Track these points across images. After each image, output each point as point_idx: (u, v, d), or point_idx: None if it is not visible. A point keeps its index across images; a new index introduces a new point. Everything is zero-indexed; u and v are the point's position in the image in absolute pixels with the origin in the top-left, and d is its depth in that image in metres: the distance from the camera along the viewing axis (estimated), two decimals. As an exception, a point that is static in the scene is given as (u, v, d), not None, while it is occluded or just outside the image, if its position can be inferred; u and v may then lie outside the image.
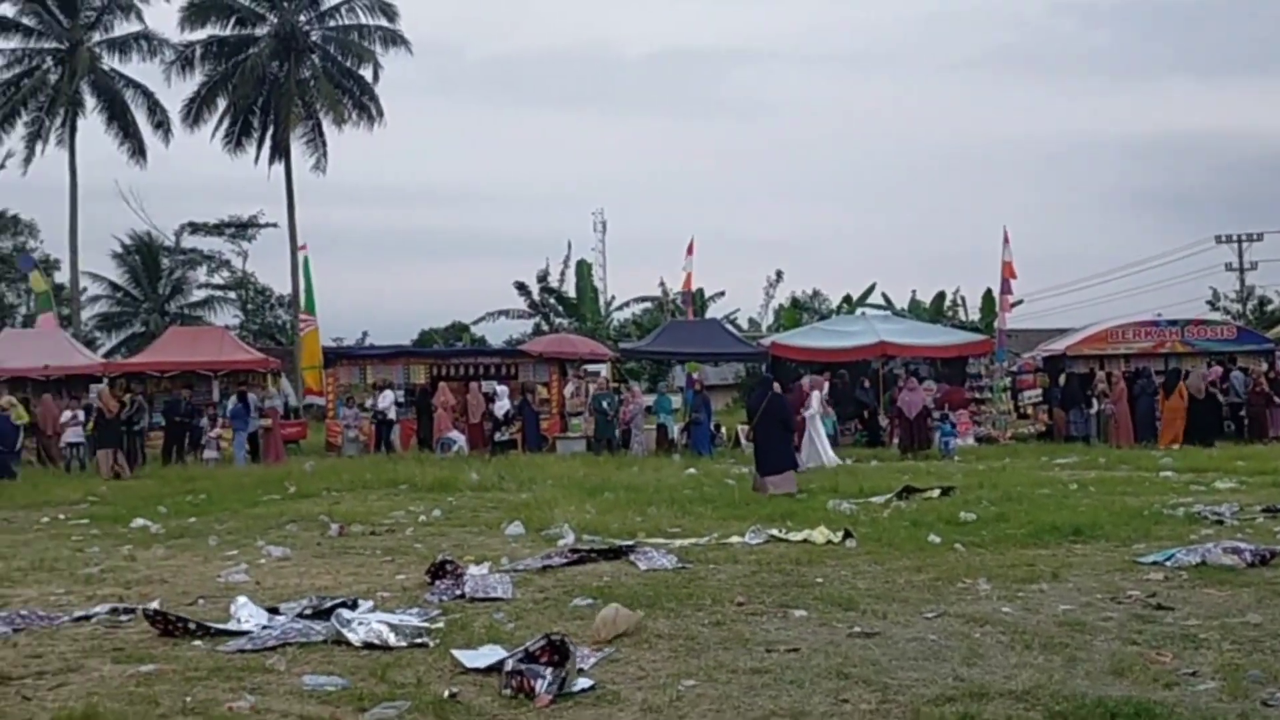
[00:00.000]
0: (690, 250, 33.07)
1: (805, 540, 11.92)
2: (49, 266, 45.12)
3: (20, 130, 43.43)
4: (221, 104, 44.08)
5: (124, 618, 8.78)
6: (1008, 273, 30.85)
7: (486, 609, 8.80)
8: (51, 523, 15.63)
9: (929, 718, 5.93)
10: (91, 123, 44.37)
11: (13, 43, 43.16)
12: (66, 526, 15.20)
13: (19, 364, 28.31)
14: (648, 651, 7.38)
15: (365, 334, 53.61)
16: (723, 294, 51.23)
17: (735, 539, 12.18)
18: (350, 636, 7.69)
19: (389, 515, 15.20)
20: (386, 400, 27.20)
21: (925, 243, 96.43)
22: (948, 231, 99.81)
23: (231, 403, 26.19)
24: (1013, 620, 8.10)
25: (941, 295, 51.13)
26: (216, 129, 44.36)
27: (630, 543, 11.74)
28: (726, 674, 6.82)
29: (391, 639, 7.65)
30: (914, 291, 51.92)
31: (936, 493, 15.82)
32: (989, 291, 44.78)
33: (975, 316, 49.02)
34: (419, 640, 7.71)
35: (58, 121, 43.35)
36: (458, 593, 9.33)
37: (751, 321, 55.41)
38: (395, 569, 10.96)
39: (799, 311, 51.19)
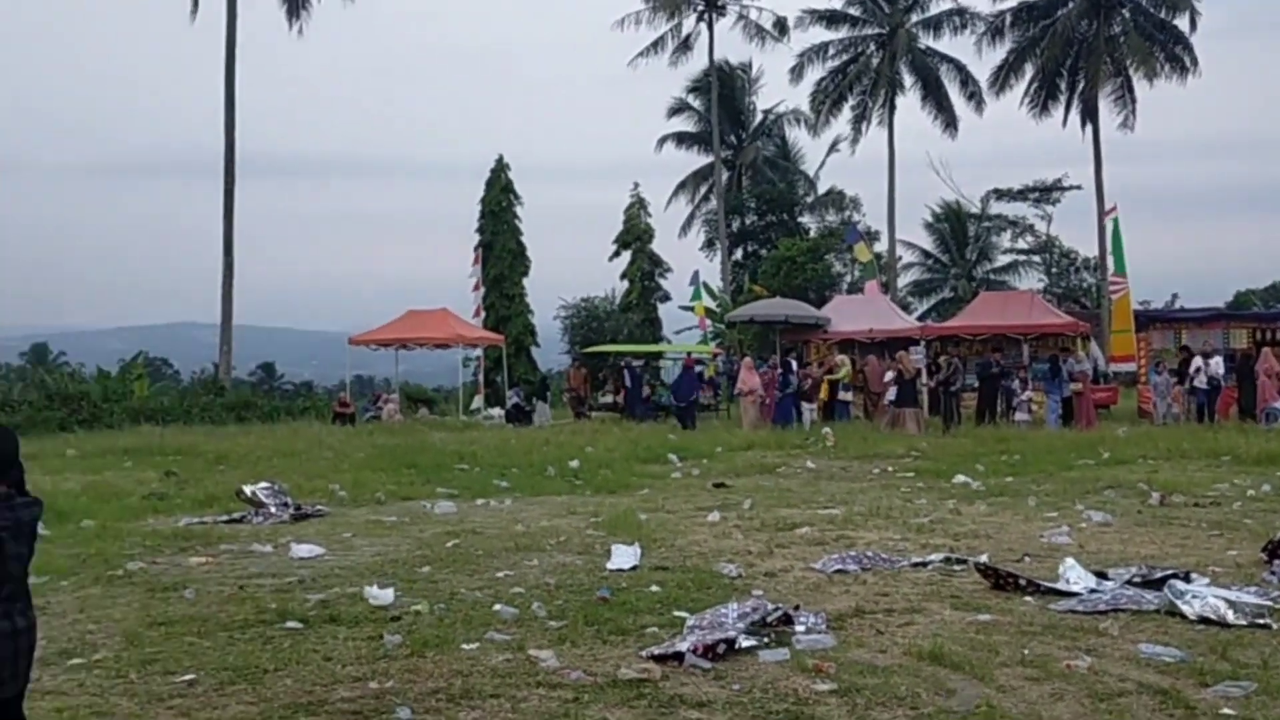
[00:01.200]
0: None
1: None
2: (871, 237, 48.65)
3: (846, 114, 47.81)
4: (1029, 69, 44.64)
5: (956, 567, 9.43)
6: None
7: (1337, 596, 8.12)
8: (881, 474, 17.08)
9: None
10: (906, 100, 47.73)
11: (841, 33, 47.53)
12: (894, 478, 16.53)
13: (848, 327, 31.22)
14: None
15: (1174, 296, 51.12)
16: None
17: None
18: (1185, 609, 7.56)
19: (1212, 487, 14.47)
20: (1218, 366, 25.71)
21: None
22: None
23: (1042, 366, 26.45)
24: None
25: None
26: (1024, 95, 44.98)
27: None
28: None
29: (1229, 616, 7.40)
30: None
31: None
32: None
33: None
34: (1260, 620, 7.37)
35: (878, 102, 46.94)
36: (1302, 575, 8.72)
37: None
38: (1225, 544, 10.49)
39: None
